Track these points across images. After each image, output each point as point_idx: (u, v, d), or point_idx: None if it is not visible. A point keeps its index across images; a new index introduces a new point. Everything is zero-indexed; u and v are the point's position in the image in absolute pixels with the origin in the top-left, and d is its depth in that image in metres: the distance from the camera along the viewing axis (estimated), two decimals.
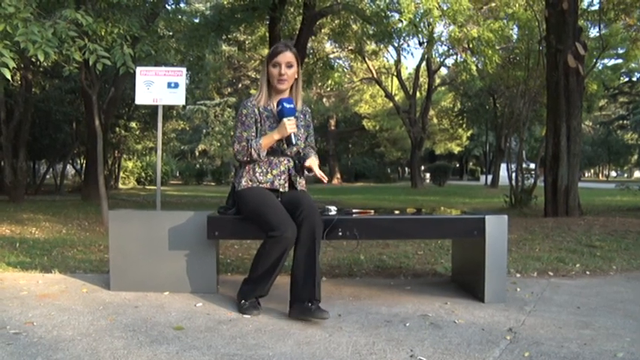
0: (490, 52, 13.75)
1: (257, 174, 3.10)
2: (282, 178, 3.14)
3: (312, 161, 3.19)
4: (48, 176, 19.50)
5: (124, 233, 3.40)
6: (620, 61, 22.57)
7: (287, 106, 3.05)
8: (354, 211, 3.32)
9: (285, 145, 3.12)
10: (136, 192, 19.61)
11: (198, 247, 3.34)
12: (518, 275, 4.08)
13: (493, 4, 17.10)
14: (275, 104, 3.15)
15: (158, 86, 5.64)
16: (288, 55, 3.09)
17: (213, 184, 33.95)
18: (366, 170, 40.78)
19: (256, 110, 3.14)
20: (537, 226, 7.07)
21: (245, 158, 3.09)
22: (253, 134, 3.10)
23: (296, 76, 3.18)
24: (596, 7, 13.13)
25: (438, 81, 30.23)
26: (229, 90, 38.16)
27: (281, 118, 3.05)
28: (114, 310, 2.96)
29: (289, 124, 3.02)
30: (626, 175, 61.14)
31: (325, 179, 3.27)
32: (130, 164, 26.53)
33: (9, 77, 4.64)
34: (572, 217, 7.98)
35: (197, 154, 38.41)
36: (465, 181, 46.60)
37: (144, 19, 7.75)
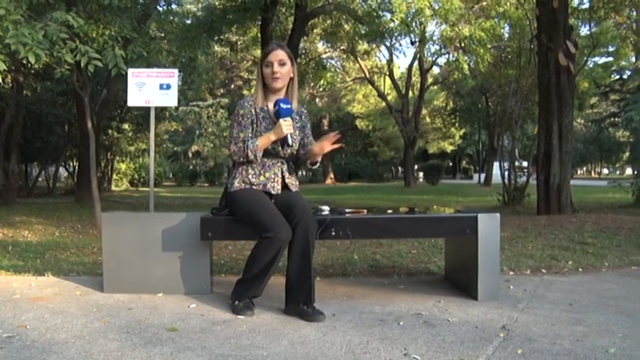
0: (482, 50, 13.83)
1: (250, 175, 3.09)
2: (275, 180, 3.13)
3: (316, 147, 3.15)
4: (40, 179, 19.40)
5: (117, 235, 3.39)
6: (610, 59, 22.69)
7: (283, 106, 3.03)
8: (346, 210, 3.32)
9: (280, 147, 3.11)
10: (129, 194, 19.56)
11: (192, 248, 3.33)
12: (511, 273, 4.10)
13: (484, 3, 17.17)
14: (271, 105, 3.13)
15: (150, 88, 5.62)
16: (279, 53, 3.08)
17: (206, 185, 33.91)
18: (359, 170, 40.83)
19: (253, 111, 3.11)
20: (530, 223, 7.10)
21: (241, 159, 3.08)
22: (250, 135, 3.09)
23: (291, 75, 3.16)
24: (586, 6, 13.21)
25: (430, 80, 30.28)
26: (222, 91, 38.14)
27: (277, 119, 3.03)
28: (107, 312, 2.96)
29: (285, 125, 3.00)
30: (618, 173, 61.39)
31: (336, 138, 3.12)
32: (122, 166, 26.44)
33: (0, 80, 4.63)
34: (564, 214, 8.02)
35: (190, 155, 38.31)
36: (458, 180, 46.67)
37: (135, 21, 7.72)
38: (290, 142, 3.05)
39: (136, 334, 2.60)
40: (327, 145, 3.11)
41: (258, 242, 2.92)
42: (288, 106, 3.05)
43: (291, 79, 3.17)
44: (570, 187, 8.46)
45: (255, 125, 3.10)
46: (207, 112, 33.82)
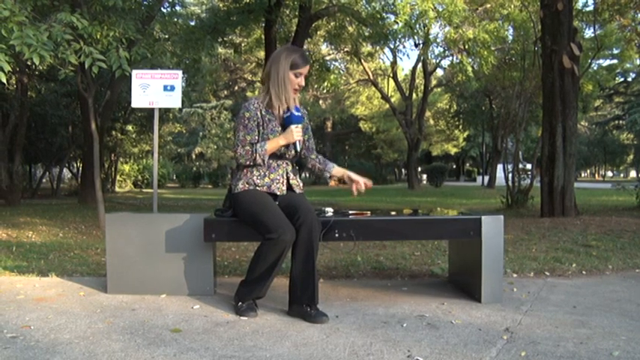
0: (486, 53, 13.82)
1: (255, 177, 3.10)
2: (280, 182, 3.14)
3: (341, 171, 3.34)
4: (44, 180, 19.48)
5: (120, 236, 3.39)
6: (615, 61, 22.70)
7: (296, 113, 3.06)
8: (350, 212, 3.32)
9: (286, 149, 3.13)
10: (132, 195, 19.59)
11: (195, 249, 3.33)
12: (514, 275, 4.09)
13: (488, 6, 17.17)
14: (278, 107, 3.15)
15: (154, 89, 5.65)
16: (307, 68, 3.15)
17: (210, 186, 33.94)
18: (362, 172, 40.34)
19: (259, 113, 3.11)
20: (534, 226, 7.09)
21: (248, 162, 3.07)
22: (256, 137, 3.09)
23: None
24: (590, 8, 13.20)
25: (434, 82, 30.26)
26: (225, 92, 38.22)
27: (288, 125, 3.05)
28: (111, 313, 2.96)
29: (297, 132, 3.03)
30: (622, 175, 61.34)
31: (369, 185, 3.31)
32: (126, 167, 26.53)
33: (4, 81, 4.64)
34: (568, 217, 8.00)
35: (194, 156, 38.42)
36: (462, 182, 46.67)
37: (139, 22, 7.75)
38: (298, 148, 3.09)
39: (139, 334, 2.60)
40: (359, 184, 3.27)
41: (262, 243, 2.92)
42: (300, 114, 3.09)
43: None
44: (574, 190, 8.44)
45: (261, 128, 3.10)
46: (211, 113, 33.92)
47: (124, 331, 2.66)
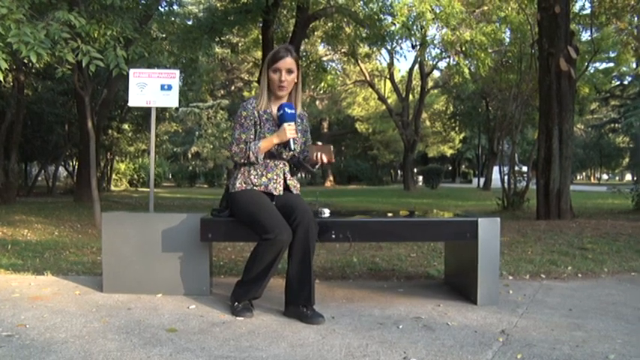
0: (483, 55, 13.84)
1: (252, 176, 3.10)
2: (277, 181, 3.13)
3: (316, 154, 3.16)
4: (40, 178, 19.41)
5: (116, 235, 3.38)
6: (611, 64, 22.72)
7: (288, 111, 3.04)
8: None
9: (283, 149, 3.12)
10: (128, 194, 19.55)
11: (192, 249, 3.33)
12: (510, 278, 4.10)
13: (486, 8, 17.17)
14: (274, 108, 3.14)
15: (151, 88, 5.63)
16: (288, 62, 3.06)
17: (205, 186, 33.91)
18: (358, 173, 40.82)
19: (256, 113, 3.11)
20: (529, 228, 7.10)
21: (242, 160, 3.08)
22: (252, 136, 3.09)
23: (295, 81, 3.16)
24: (587, 11, 13.23)
25: (430, 84, 30.29)
26: (222, 92, 38.09)
27: (281, 123, 3.04)
28: (107, 313, 2.95)
29: (289, 130, 3.01)
30: (617, 178, 61.39)
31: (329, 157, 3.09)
32: (122, 166, 26.47)
33: (1, 79, 4.63)
34: (564, 219, 8.02)
35: (190, 156, 38.23)
36: (458, 184, 46.69)
37: (137, 21, 7.74)
38: (292, 146, 3.06)
39: (135, 334, 2.60)
40: (322, 157, 3.06)
41: (258, 244, 2.92)
42: (293, 111, 3.07)
43: (295, 83, 3.17)
44: (570, 192, 8.46)
45: (258, 127, 3.10)
46: (207, 113, 33.81)
47: (120, 330, 2.65)
